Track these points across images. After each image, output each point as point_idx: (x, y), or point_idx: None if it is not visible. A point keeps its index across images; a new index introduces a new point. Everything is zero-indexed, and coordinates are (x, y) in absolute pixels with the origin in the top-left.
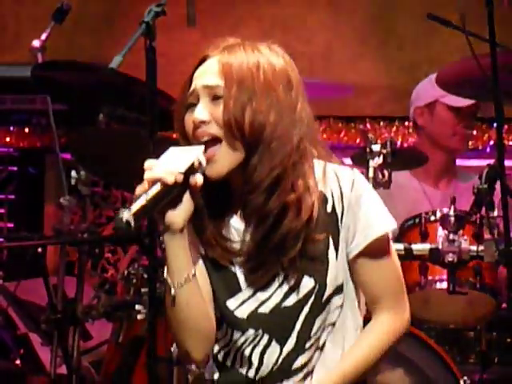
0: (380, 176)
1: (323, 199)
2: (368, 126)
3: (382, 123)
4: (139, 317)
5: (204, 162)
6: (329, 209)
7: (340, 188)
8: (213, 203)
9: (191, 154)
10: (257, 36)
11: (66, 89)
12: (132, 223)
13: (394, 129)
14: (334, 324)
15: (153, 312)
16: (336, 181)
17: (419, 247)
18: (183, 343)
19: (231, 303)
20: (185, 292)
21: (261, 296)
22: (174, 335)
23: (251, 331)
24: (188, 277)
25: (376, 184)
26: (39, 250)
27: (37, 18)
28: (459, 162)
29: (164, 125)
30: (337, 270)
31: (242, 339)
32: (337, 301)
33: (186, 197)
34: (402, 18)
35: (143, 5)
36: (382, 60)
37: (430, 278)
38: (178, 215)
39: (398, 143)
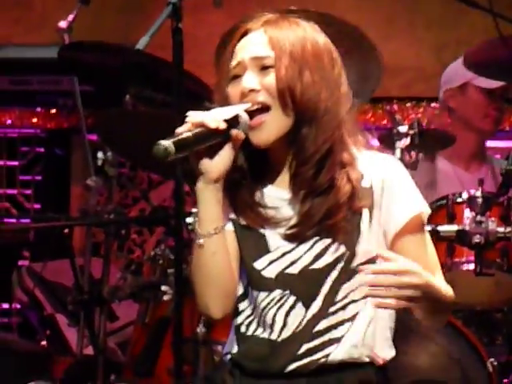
0: (407, 157)
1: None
2: (395, 107)
3: (409, 104)
4: (165, 298)
5: (247, 118)
6: (365, 184)
7: (378, 168)
8: (253, 170)
9: (235, 109)
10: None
11: (92, 70)
12: (171, 151)
13: (422, 110)
14: (365, 298)
15: (179, 293)
16: (373, 161)
17: (446, 229)
18: (203, 297)
19: (258, 264)
20: (212, 243)
21: (290, 257)
22: (195, 289)
23: (278, 291)
24: (217, 228)
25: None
26: (66, 231)
27: None
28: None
29: (190, 106)
30: (368, 243)
31: (268, 300)
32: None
33: (225, 149)
34: None
35: None
36: (409, 41)
37: (456, 259)
38: (215, 165)
39: (425, 124)
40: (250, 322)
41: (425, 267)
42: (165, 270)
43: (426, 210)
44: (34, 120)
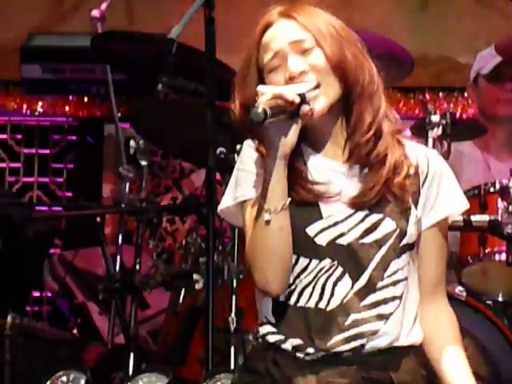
0: (439, 147)
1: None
2: (427, 96)
3: (441, 94)
4: (197, 286)
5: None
6: (412, 170)
7: (424, 157)
8: (300, 148)
9: (302, 86)
10: (317, 6)
11: (125, 59)
12: (268, 114)
13: (454, 100)
14: (406, 279)
15: (210, 282)
16: (418, 150)
17: (478, 218)
18: (265, 272)
19: (310, 230)
20: (279, 219)
21: (341, 227)
22: (255, 265)
23: (328, 260)
24: (284, 204)
25: None
26: (98, 219)
27: None
28: None
29: (222, 95)
30: (415, 226)
31: (318, 268)
32: (407, 257)
33: (295, 124)
34: None
35: None
36: (441, 31)
37: (488, 249)
38: (288, 139)
39: (458, 114)
40: (292, 292)
41: (440, 270)
42: (196, 259)
43: (465, 208)
44: (67, 108)
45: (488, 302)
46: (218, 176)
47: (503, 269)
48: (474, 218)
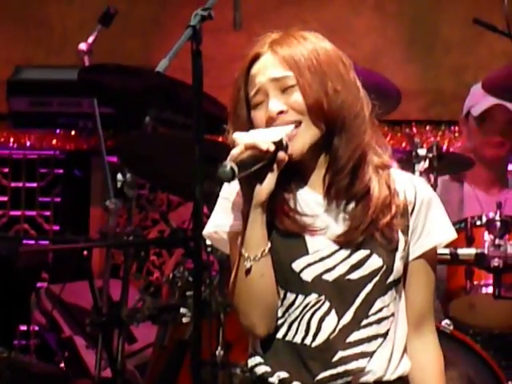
0: (426, 180)
1: (395, 190)
2: (414, 130)
3: (428, 127)
4: (184, 320)
5: (288, 143)
6: (401, 199)
7: (412, 186)
8: (287, 180)
9: (280, 131)
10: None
11: (112, 92)
12: (236, 172)
13: (440, 133)
14: (393, 315)
15: (198, 315)
16: (405, 179)
17: (465, 252)
18: (249, 317)
19: (296, 265)
20: (260, 266)
21: (327, 263)
22: (239, 309)
23: (314, 295)
24: (264, 251)
25: None
26: (85, 252)
27: (84, 20)
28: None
29: (210, 128)
30: (401, 260)
31: (304, 303)
32: (394, 292)
33: (270, 172)
34: (448, 22)
35: (190, 8)
36: (428, 64)
37: (475, 282)
38: (264, 188)
39: (444, 147)
40: (281, 326)
41: (429, 307)
42: (183, 293)
43: (453, 238)
44: (54, 141)
45: (475, 335)
46: (205, 209)
47: (490, 302)
48: (460, 251)
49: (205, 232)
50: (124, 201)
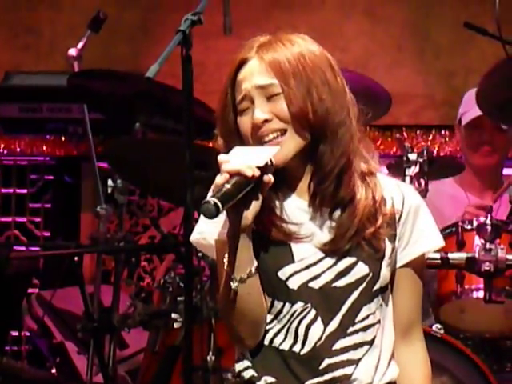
0: (416, 185)
1: (382, 198)
2: (404, 134)
3: (418, 132)
4: (175, 325)
5: (274, 162)
6: (388, 207)
7: (400, 194)
8: (272, 187)
9: (265, 152)
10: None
11: (102, 98)
12: (219, 207)
13: (431, 137)
14: (379, 322)
15: (189, 321)
16: (394, 186)
17: (456, 256)
18: (238, 331)
19: (282, 273)
20: (246, 286)
21: (313, 270)
22: (227, 321)
23: (300, 304)
24: (250, 272)
25: None
26: (75, 258)
27: (73, 26)
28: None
29: (200, 133)
30: (388, 267)
31: (291, 311)
32: (380, 299)
33: (255, 198)
34: (438, 26)
35: (180, 13)
36: (418, 68)
37: (466, 286)
38: (250, 212)
39: (435, 152)
40: (268, 331)
41: (415, 309)
42: (175, 298)
43: (441, 245)
44: (44, 147)
45: (466, 339)
46: (196, 215)
47: (481, 306)
48: (451, 255)
49: (192, 238)
50: (114, 207)
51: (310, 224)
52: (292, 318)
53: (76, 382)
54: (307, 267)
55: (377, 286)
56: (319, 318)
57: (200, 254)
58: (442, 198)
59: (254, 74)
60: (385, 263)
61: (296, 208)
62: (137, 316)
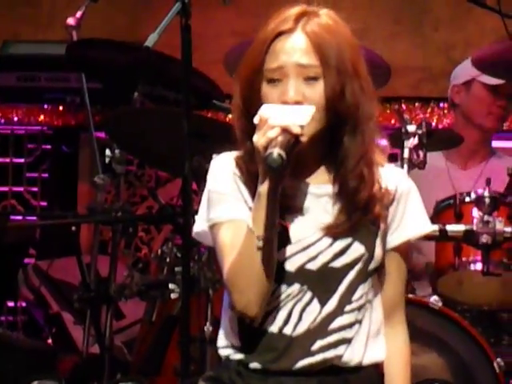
0: (415, 156)
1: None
2: (403, 106)
3: (417, 104)
4: (173, 296)
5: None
6: (383, 191)
7: (394, 177)
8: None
9: (305, 113)
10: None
11: (100, 67)
12: (284, 157)
13: (430, 110)
14: (370, 302)
15: (186, 291)
16: (388, 169)
17: (454, 228)
18: (247, 295)
19: (279, 255)
20: (271, 246)
21: (310, 252)
22: (237, 286)
23: (296, 286)
24: (276, 232)
25: (411, 165)
26: (73, 228)
27: None
28: (495, 143)
29: (199, 103)
30: (380, 248)
31: (286, 293)
32: (372, 280)
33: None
34: None
35: None
36: (417, 41)
37: (464, 259)
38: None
39: (433, 124)
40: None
41: (398, 293)
42: (172, 269)
43: (430, 230)
44: (41, 117)
45: (463, 311)
46: (194, 185)
47: (478, 278)
48: (449, 227)
49: (199, 229)
50: (112, 177)
51: (310, 203)
52: (286, 300)
53: (72, 353)
54: (304, 249)
55: (371, 266)
56: (315, 300)
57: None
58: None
59: (297, 51)
60: (378, 243)
61: (297, 189)
62: (134, 286)
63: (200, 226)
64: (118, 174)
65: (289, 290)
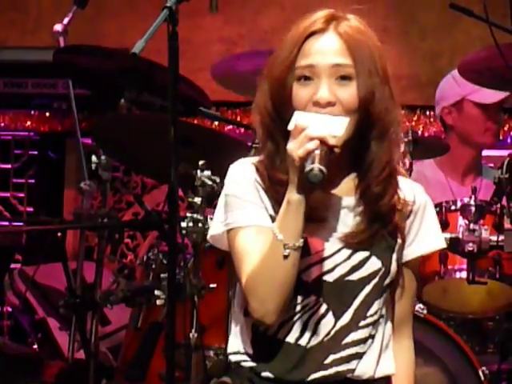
0: (401, 164)
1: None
2: None
3: (403, 112)
4: (158, 302)
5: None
6: (401, 204)
7: (411, 190)
8: None
9: (339, 123)
10: (278, 22)
11: (87, 73)
12: (325, 171)
13: (416, 118)
14: (383, 316)
15: (172, 298)
16: (407, 183)
17: None
18: (267, 303)
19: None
20: (296, 255)
21: (327, 264)
22: (256, 294)
23: (313, 297)
24: (302, 241)
25: None
26: (59, 234)
27: (59, 1)
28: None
29: (185, 110)
30: (396, 263)
31: (303, 304)
32: (387, 295)
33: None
34: (424, 7)
35: None
36: (403, 49)
37: (449, 267)
38: None
39: (420, 132)
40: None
41: (408, 307)
42: (158, 275)
43: (443, 246)
44: (28, 123)
45: (448, 319)
46: (180, 192)
47: (463, 286)
48: None
49: (214, 232)
50: (98, 183)
51: (331, 213)
52: (303, 311)
53: (58, 358)
54: (322, 260)
55: (387, 281)
56: (330, 313)
57: (184, 232)
58: (424, 181)
59: (331, 51)
60: (394, 258)
61: (321, 201)
62: (119, 292)
63: (216, 229)
64: (104, 181)
65: (305, 302)
